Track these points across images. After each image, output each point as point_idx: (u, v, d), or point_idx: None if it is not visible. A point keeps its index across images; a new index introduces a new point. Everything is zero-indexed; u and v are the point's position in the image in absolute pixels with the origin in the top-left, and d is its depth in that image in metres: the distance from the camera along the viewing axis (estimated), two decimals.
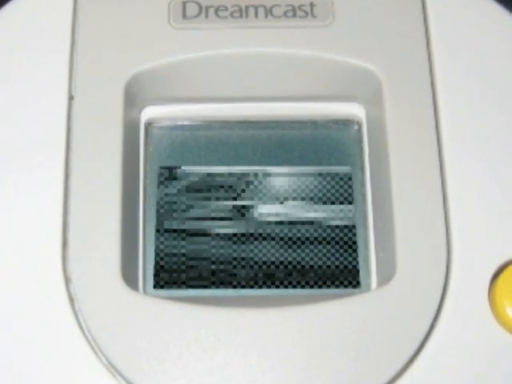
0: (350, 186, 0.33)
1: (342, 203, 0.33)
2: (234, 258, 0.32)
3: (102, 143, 0.31)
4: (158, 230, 0.33)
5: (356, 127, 0.34)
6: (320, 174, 0.34)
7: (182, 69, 0.33)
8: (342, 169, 0.34)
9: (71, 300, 0.29)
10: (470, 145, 0.31)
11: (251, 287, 0.32)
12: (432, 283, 0.30)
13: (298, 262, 0.32)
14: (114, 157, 0.31)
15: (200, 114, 0.34)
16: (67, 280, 0.30)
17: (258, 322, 0.29)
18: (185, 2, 0.33)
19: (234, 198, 0.33)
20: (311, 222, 0.33)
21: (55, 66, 0.32)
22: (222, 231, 0.33)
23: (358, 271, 0.32)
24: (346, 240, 0.33)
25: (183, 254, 0.32)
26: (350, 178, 0.33)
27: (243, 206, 0.33)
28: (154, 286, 0.32)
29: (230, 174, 0.33)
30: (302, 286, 0.32)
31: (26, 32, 0.33)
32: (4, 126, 0.31)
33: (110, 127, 0.31)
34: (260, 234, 0.33)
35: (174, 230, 0.33)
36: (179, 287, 0.32)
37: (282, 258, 0.32)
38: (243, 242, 0.33)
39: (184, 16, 0.33)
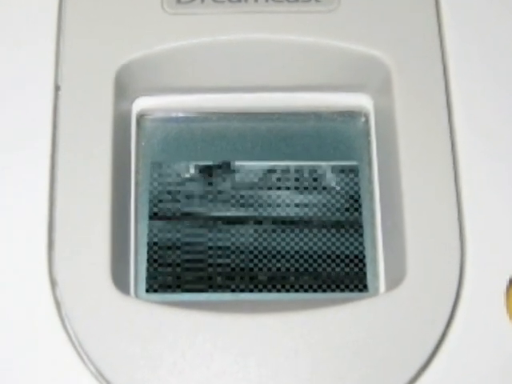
0: (357, 183, 0.33)
1: (347, 201, 0.33)
2: (233, 260, 0.32)
3: (90, 137, 0.31)
4: (151, 230, 0.32)
5: (363, 119, 0.34)
6: (324, 170, 0.33)
7: (176, 57, 0.32)
8: (348, 164, 0.33)
9: (57, 304, 0.29)
10: (486, 138, 0.31)
11: (251, 291, 0.32)
12: (445, 286, 0.29)
13: (301, 265, 0.32)
14: (103, 151, 0.30)
15: (196, 105, 0.34)
16: (53, 283, 0.29)
17: (257, 328, 0.29)
18: None
19: (234, 197, 0.33)
20: (314, 221, 0.33)
21: (40, 55, 0.32)
22: (220, 233, 0.32)
23: (365, 274, 0.32)
24: (352, 240, 0.32)
25: (178, 256, 0.32)
26: (356, 174, 0.33)
27: (242, 205, 0.33)
28: (147, 290, 0.32)
29: (230, 171, 0.33)
30: (305, 290, 0.32)
31: (9, 18, 0.32)
32: None
33: (99, 119, 0.31)
34: (260, 235, 0.32)
35: (169, 231, 0.32)
36: (174, 291, 0.32)
37: (283, 260, 0.32)
38: (243, 243, 0.32)
39: (178, 0, 0.32)
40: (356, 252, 0.32)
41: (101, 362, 0.28)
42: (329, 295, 0.32)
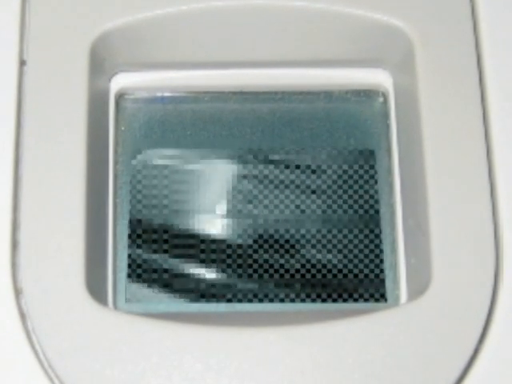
0: (374, 174, 0.33)
1: (362, 196, 0.33)
2: (229, 265, 0.32)
3: (61, 120, 0.30)
4: (132, 230, 0.33)
5: (381, 99, 0.34)
6: (336, 159, 0.33)
7: (162, 25, 0.32)
8: (364, 152, 0.33)
9: (23, 316, 0.29)
10: None
11: (249, 301, 0.32)
12: (477, 296, 0.29)
13: (307, 270, 0.32)
14: (76, 137, 0.30)
15: (185, 82, 0.34)
16: (17, 291, 0.29)
17: (257, 344, 0.28)
18: None
19: (229, 189, 0.33)
20: (325, 220, 0.33)
21: (2, 24, 0.32)
22: (212, 231, 0.32)
23: (383, 281, 0.32)
24: (367, 242, 0.33)
25: (164, 260, 0.32)
26: (372, 165, 0.33)
27: (239, 200, 0.33)
28: (128, 300, 0.32)
29: (224, 159, 0.33)
30: (313, 300, 0.32)
31: None
32: None
33: (71, 99, 0.31)
34: (261, 236, 0.33)
35: (154, 230, 0.32)
36: (159, 301, 0.32)
37: (287, 265, 0.32)
38: (239, 246, 0.32)
39: None
40: (372, 256, 0.32)
41: None
42: (341, 306, 0.32)
